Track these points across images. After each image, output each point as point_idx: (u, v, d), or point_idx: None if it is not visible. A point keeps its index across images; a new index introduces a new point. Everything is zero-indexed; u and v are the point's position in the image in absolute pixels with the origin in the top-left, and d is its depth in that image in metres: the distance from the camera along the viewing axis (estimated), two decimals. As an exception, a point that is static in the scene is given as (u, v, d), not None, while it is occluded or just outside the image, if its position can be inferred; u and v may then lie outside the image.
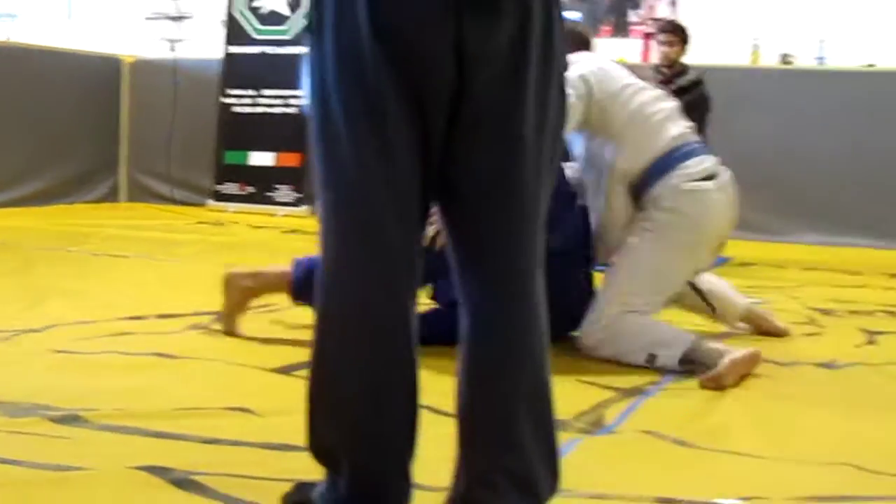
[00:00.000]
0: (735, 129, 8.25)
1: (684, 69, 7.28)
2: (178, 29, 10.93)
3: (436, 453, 2.52)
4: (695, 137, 4.17)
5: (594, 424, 3.08)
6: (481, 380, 2.10)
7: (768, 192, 8.55)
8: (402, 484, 2.15)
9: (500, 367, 2.08)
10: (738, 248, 7.51)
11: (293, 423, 2.92)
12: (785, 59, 9.14)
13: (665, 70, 7.28)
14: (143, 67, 10.60)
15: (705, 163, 4.07)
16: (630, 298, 3.93)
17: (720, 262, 7.03)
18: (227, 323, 4.14)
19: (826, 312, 5.21)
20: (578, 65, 4.00)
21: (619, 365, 3.87)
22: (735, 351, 3.69)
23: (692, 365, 3.73)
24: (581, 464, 2.70)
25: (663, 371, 3.77)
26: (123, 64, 10.52)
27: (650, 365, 3.81)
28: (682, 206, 3.97)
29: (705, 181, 4.03)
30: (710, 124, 7.22)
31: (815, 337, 4.59)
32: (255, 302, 4.22)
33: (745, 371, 3.66)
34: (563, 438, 2.85)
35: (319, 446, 2.17)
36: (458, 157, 2.02)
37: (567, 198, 4.01)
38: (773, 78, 8.85)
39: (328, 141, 2.03)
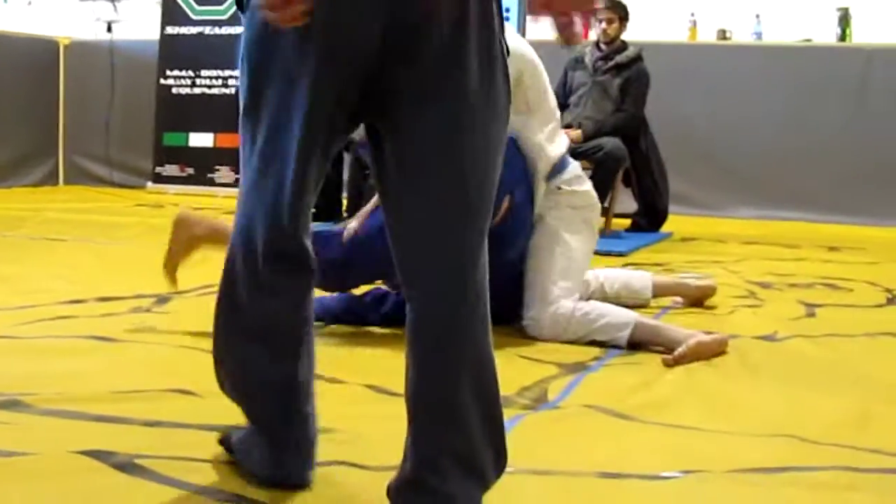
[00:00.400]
0: (673, 105, 8.29)
1: (623, 46, 7.31)
2: (114, 10, 10.83)
3: (379, 433, 2.54)
4: None
5: (537, 400, 3.10)
6: (427, 363, 2.10)
7: (707, 167, 8.62)
8: (299, 422, 2.29)
9: (444, 351, 2.08)
10: (678, 224, 7.58)
11: (234, 405, 2.92)
12: (722, 34, 9.19)
13: (604, 47, 7.31)
14: (80, 49, 10.50)
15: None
16: (562, 286, 3.98)
17: (661, 238, 7.09)
18: (169, 265, 4.04)
19: (765, 286, 5.26)
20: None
21: (560, 341, 3.90)
22: (702, 334, 3.75)
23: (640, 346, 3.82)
24: (524, 440, 2.71)
25: (606, 346, 3.80)
26: (60, 46, 10.40)
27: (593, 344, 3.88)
28: (585, 193, 4.18)
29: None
30: (647, 101, 7.27)
31: (755, 310, 4.63)
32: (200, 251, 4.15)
33: (709, 354, 3.70)
34: (506, 415, 2.87)
35: (222, 386, 2.40)
36: (405, 135, 2.01)
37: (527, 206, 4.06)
38: (710, 53, 8.90)
39: (254, 124, 2.09)
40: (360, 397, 3.10)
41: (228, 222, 4.08)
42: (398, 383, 3.20)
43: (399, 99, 1.99)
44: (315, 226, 2.43)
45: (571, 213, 4.11)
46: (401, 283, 2.12)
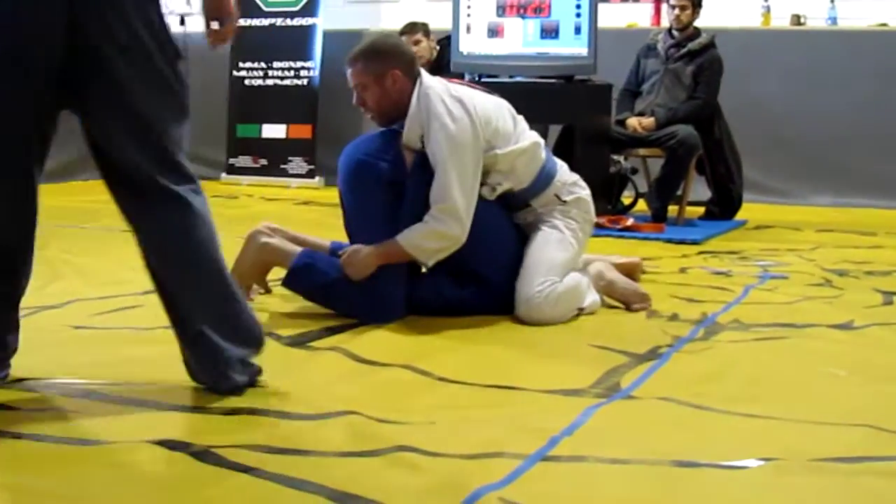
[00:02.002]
0: (747, 92, 8.21)
1: (696, 33, 7.24)
2: (187, 3, 10.91)
3: (447, 420, 2.55)
4: None
5: (610, 389, 3.08)
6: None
7: (781, 154, 8.52)
8: None
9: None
10: (752, 212, 7.51)
11: (309, 394, 2.95)
12: (796, 19, 9.08)
13: (676, 34, 7.25)
14: (153, 42, 10.58)
15: None
16: (554, 274, 4.06)
17: (735, 226, 7.02)
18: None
19: (842, 273, 5.19)
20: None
21: (631, 329, 3.91)
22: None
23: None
24: (599, 430, 2.71)
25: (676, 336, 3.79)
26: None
27: (578, 314, 4.12)
28: (585, 201, 4.32)
29: None
30: (721, 87, 7.20)
31: (832, 298, 4.58)
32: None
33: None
34: (580, 405, 2.88)
35: None
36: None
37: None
38: (784, 39, 8.79)
39: None
40: (417, 384, 3.12)
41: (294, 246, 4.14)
42: (446, 367, 3.23)
43: None
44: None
45: (580, 219, 4.23)
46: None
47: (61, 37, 2.68)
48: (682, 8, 7.18)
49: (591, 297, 4.19)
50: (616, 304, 4.30)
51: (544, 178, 4.17)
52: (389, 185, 3.98)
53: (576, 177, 4.32)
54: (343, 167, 4.07)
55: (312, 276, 3.99)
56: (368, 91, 4.02)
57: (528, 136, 4.17)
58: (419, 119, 3.96)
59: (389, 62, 3.97)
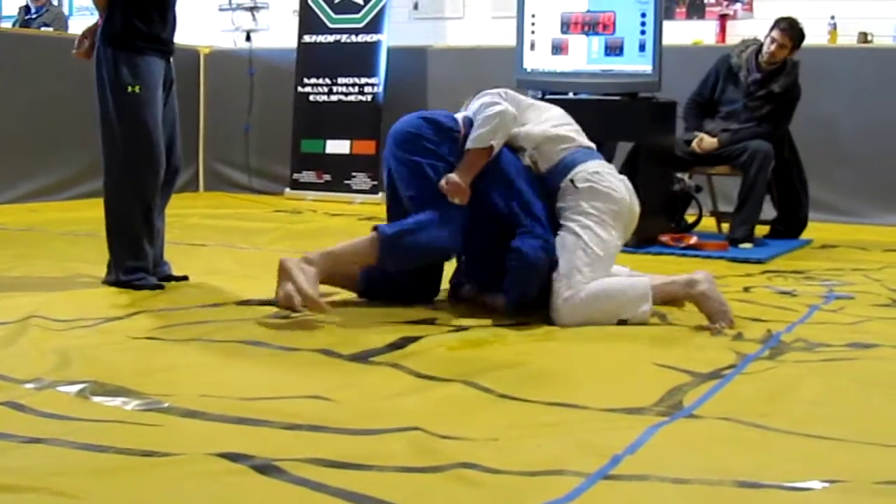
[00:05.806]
0: (814, 110, 8.13)
1: (782, 66, 7.00)
2: (254, 19, 11.01)
3: (508, 437, 2.52)
4: None
5: (672, 408, 3.06)
6: None
7: (848, 172, 8.44)
8: None
9: None
10: (818, 231, 7.44)
11: (370, 409, 2.95)
12: (863, 37, 9.00)
13: (764, 65, 7.01)
14: (220, 58, 10.68)
15: None
16: (579, 278, 4.21)
17: (800, 245, 6.96)
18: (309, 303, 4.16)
19: (909, 294, 5.14)
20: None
21: (694, 347, 3.87)
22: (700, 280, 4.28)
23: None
24: (661, 449, 2.69)
25: (740, 354, 3.75)
26: (200, 55, 10.60)
27: (623, 324, 4.21)
28: (606, 189, 4.41)
29: None
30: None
31: (898, 319, 4.53)
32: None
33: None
34: (642, 424, 2.86)
35: None
36: None
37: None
38: (852, 57, 8.71)
39: None
40: (478, 400, 3.11)
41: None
42: (507, 384, 3.22)
43: None
44: None
45: (596, 210, 4.31)
46: None
47: None
48: (781, 46, 6.95)
49: (640, 308, 4.23)
50: (678, 323, 4.27)
51: (568, 163, 4.39)
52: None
53: (608, 167, 4.51)
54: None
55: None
56: None
57: (564, 130, 4.50)
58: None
59: None
